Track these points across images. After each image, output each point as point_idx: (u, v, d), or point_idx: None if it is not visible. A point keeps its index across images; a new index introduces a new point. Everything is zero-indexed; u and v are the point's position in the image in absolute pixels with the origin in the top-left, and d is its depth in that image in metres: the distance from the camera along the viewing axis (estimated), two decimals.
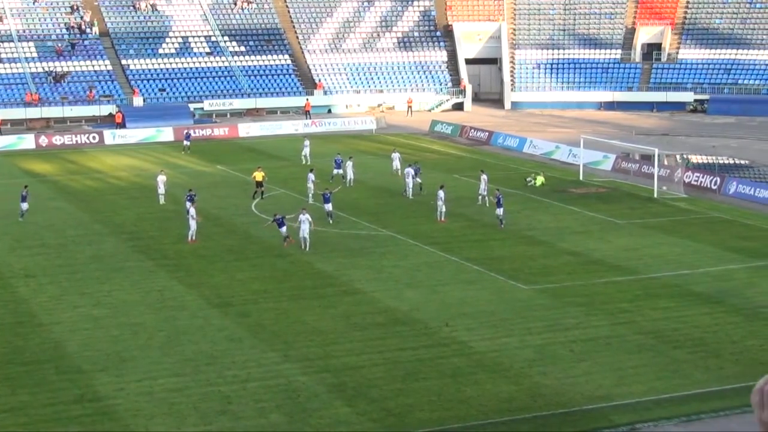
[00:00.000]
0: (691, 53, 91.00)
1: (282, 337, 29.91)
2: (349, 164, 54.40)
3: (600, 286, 35.04)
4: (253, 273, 36.96)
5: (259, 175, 51.28)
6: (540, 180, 53.54)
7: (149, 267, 37.99)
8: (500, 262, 38.35)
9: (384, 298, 33.66)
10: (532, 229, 43.86)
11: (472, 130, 74.37)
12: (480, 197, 48.71)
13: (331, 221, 43.84)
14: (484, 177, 49.06)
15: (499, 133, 72.02)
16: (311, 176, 49.95)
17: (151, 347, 29.08)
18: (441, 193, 44.92)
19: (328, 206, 43.87)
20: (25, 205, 45.72)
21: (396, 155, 57.20)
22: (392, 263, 38.22)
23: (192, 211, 41.86)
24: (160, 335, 30.13)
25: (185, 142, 67.42)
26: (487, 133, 72.67)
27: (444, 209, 44.80)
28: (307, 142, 63.26)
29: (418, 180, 51.01)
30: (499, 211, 43.63)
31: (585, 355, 28.19)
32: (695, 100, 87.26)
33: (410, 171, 51.54)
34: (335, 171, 55.06)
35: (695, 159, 61.76)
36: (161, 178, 50.10)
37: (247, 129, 77.14)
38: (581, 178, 56.15)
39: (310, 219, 40.01)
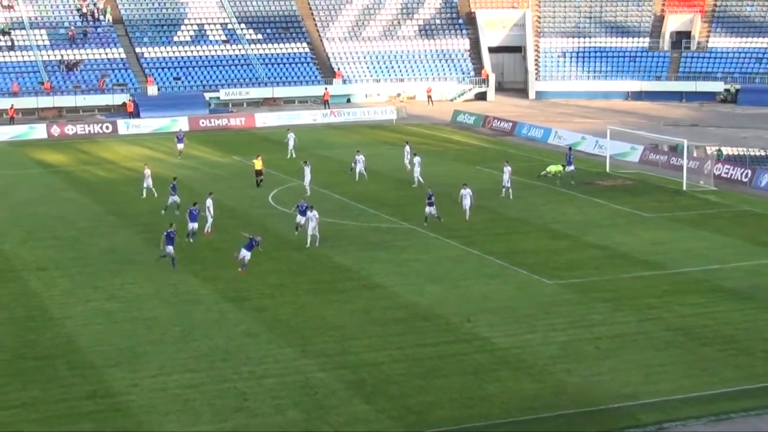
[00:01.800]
0: (722, 42, 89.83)
1: (299, 332, 29.62)
2: (360, 158, 53.13)
3: (627, 281, 34.58)
4: (270, 266, 36.53)
5: (258, 164, 51.26)
6: (556, 168, 52.17)
7: (163, 260, 37.44)
8: (524, 255, 37.89)
9: (404, 293, 33.32)
10: (557, 222, 43.36)
11: (496, 121, 73.60)
12: (504, 189, 48.03)
13: (297, 234, 40.36)
14: (507, 168, 48.32)
15: (524, 123, 71.31)
16: (307, 169, 49.10)
17: (165, 342, 28.83)
18: (466, 191, 43.28)
19: (302, 219, 40.09)
20: (176, 198, 43.99)
21: (407, 148, 56.05)
22: (413, 257, 37.82)
23: (208, 202, 41.23)
24: (174, 330, 29.86)
25: (178, 145, 60.72)
26: (510, 124, 71.89)
27: (469, 208, 43.15)
28: (291, 135, 61.49)
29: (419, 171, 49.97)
30: (429, 210, 42.06)
31: (611, 352, 27.87)
32: (725, 90, 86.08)
33: (418, 159, 50.82)
34: (353, 165, 54.28)
35: (726, 151, 60.72)
36: (147, 172, 48.91)
37: (264, 119, 76.70)
38: (608, 169, 55.72)
39: (317, 216, 38.95)
